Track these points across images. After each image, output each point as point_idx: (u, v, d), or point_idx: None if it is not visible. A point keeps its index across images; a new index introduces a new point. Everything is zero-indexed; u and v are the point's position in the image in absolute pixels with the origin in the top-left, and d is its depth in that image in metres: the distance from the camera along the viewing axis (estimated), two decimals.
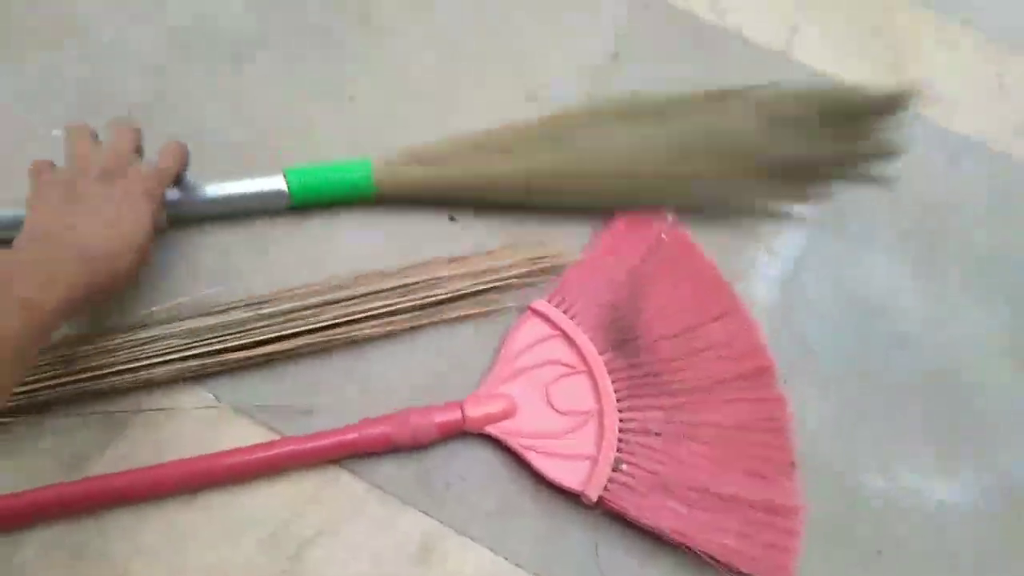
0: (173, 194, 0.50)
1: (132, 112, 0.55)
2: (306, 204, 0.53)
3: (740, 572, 0.44)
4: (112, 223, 0.42)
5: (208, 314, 0.48)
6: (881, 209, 0.58)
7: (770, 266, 0.55)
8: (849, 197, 0.57)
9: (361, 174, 0.52)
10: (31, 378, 0.44)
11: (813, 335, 0.53)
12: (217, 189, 0.51)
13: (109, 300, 0.44)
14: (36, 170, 0.45)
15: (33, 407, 0.44)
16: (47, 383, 0.44)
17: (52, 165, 0.46)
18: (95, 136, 0.47)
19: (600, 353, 0.49)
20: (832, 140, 0.55)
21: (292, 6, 0.61)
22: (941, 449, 0.50)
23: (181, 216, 0.51)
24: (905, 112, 0.55)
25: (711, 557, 0.44)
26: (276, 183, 0.52)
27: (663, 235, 0.54)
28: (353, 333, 0.49)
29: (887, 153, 0.55)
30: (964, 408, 0.52)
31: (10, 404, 0.44)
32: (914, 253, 0.57)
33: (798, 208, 0.57)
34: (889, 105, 0.55)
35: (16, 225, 0.43)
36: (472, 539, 0.45)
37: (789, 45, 0.64)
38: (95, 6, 0.59)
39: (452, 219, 0.54)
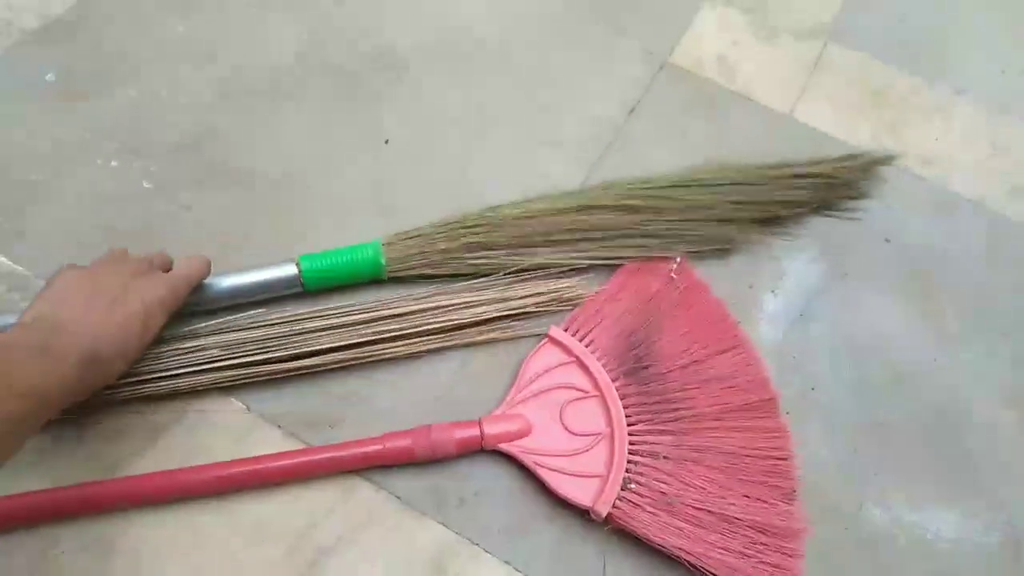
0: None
1: (181, 149, 0.60)
2: (318, 288, 0.54)
3: None
4: (122, 326, 0.43)
5: (244, 329, 0.51)
6: (881, 258, 0.61)
7: (775, 308, 0.58)
8: (851, 246, 0.61)
9: (371, 253, 0.53)
10: None
11: (815, 372, 0.56)
12: (232, 280, 0.52)
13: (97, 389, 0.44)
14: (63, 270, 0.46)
15: (74, 409, 0.47)
16: None
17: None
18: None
19: (613, 380, 0.52)
20: (811, 188, 0.61)
21: (330, 55, 0.67)
22: (939, 484, 0.52)
23: (196, 311, 0.52)
24: (876, 169, 0.63)
25: (714, 575, 0.46)
26: (288, 270, 0.52)
27: (673, 274, 0.57)
28: (380, 352, 0.52)
29: (858, 197, 0.63)
30: (961, 445, 0.53)
31: None
32: (912, 299, 0.59)
33: (803, 255, 0.60)
34: (863, 163, 0.63)
35: None
36: (486, 551, 0.47)
37: (794, 108, 0.69)
38: (153, 55, 0.65)
39: None
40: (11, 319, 0.47)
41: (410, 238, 0.55)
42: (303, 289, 0.54)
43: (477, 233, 0.55)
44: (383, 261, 0.54)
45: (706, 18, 0.74)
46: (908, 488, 0.52)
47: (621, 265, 0.58)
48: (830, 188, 0.62)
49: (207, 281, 0.52)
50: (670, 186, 0.59)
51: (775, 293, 0.59)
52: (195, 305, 0.52)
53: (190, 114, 0.62)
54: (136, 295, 0.44)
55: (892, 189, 0.65)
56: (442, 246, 0.55)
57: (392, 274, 0.55)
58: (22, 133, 0.59)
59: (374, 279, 0.55)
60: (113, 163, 0.59)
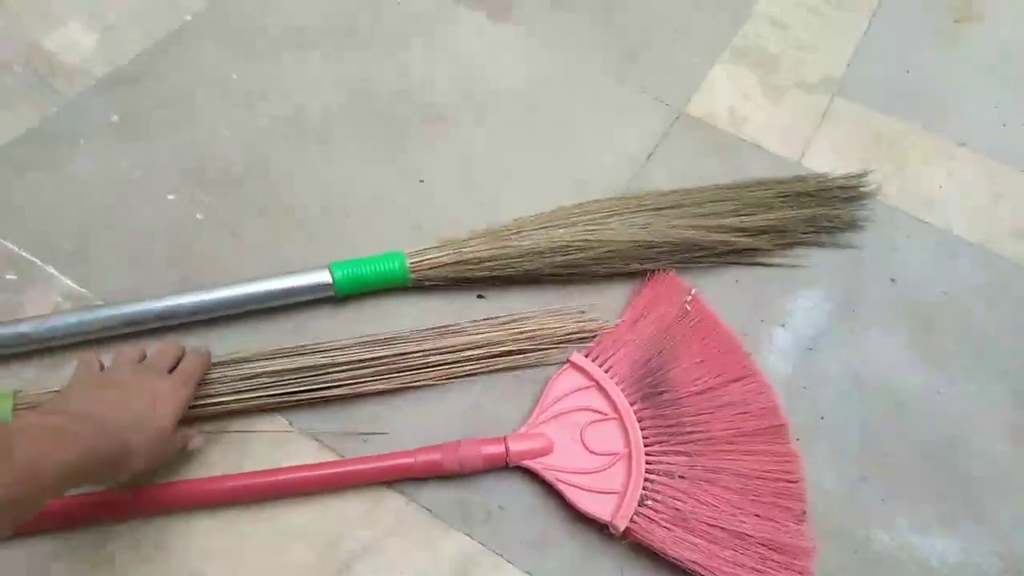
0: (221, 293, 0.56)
1: (232, 183, 0.65)
2: (349, 293, 0.59)
3: None
4: (138, 417, 0.44)
5: (288, 355, 0.54)
6: (887, 297, 0.64)
7: (785, 341, 0.61)
8: (859, 285, 0.64)
9: (397, 264, 0.58)
10: None
11: (824, 402, 0.58)
12: (270, 284, 0.57)
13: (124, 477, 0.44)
14: (83, 360, 0.49)
15: None
16: None
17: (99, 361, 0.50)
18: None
19: (631, 404, 0.55)
20: (801, 212, 0.66)
21: (373, 102, 0.72)
22: (943, 511, 0.54)
23: (236, 313, 0.57)
24: (863, 195, 0.69)
25: None
26: (322, 276, 0.57)
27: (688, 306, 0.61)
28: (411, 381, 0.55)
29: (849, 226, 0.68)
30: (963, 474, 0.56)
31: None
32: (916, 336, 0.62)
33: (812, 292, 0.64)
34: (849, 188, 0.69)
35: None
36: (509, 562, 0.50)
37: (802, 156, 0.73)
38: (209, 98, 0.70)
39: (480, 296, 0.61)
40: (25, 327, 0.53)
41: (434, 248, 0.60)
42: (335, 294, 0.58)
43: (496, 244, 0.60)
44: (408, 268, 0.59)
45: (719, 73, 0.79)
46: (913, 514, 0.54)
47: (635, 277, 0.62)
48: (818, 204, 0.67)
49: (247, 286, 0.56)
50: (669, 205, 0.64)
51: (785, 327, 0.62)
52: (231, 308, 0.56)
53: (241, 152, 0.67)
54: (165, 404, 0.46)
55: (898, 232, 0.68)
56: (463, 256, 0.59)
57: (416, 282, 0.59)
58: (90, 167, 0.65)
59: (400, 285, 0.59)
60: (170, 196, 0.64)
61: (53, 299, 0.58)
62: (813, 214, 0.66)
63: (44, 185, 0.63)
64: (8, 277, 0.58)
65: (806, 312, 0.63)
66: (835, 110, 0.77)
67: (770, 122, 0.75)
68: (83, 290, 0.58)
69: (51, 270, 0.59)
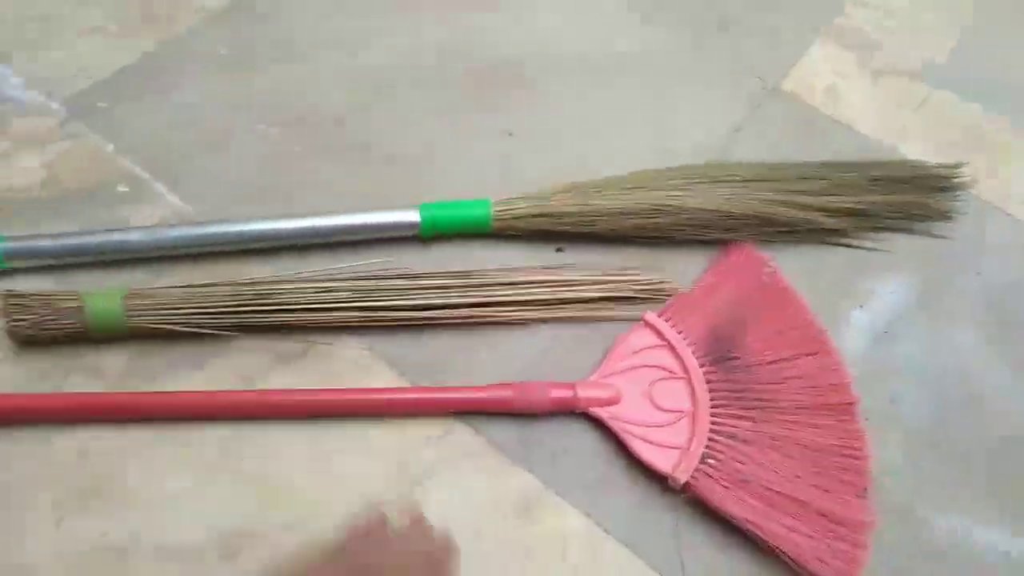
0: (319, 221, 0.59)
1: (330, 123, 0.67)
2: (432, 234, 0.61)
3: (808, 572, 0.48)
4: None
5: (373, 278, 0.57)
6: (971, 289, 0.63)
7: (861, 322, 0.61)
8: (942, 274, 0.63)
9: (482, 211, 0.61)
10: (228, 305, 0.54)
11: (896, 386, 0.58)
12: (358, 218, 0.60)
13: None
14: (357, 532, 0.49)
15: (226, 328, 0.54)
16: (241, 310, 0.54)
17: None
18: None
19: (700, 366, 0.56)
20: (892, 199, 0.65)
21: (468, 59, 0.74)
22: (1005, 506, 0.53)
23: (319, 243, 0.60)
24: (957, 187, 0.67)
25: (783, 553, 0.48)
26: (411, 215, 0.60)
27: (765, 278, 0.61)
28: (487, 316, 0.57)
29: (939, 216, 0.67)
30: None
31: (209, 322, 0.54)
32: (997, 331, 0.61)
33: (894, 276, 0.63)
34: (943, 178, 0.67)
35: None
36: (569, 503, 0.51)
37: (895, 141, 0.72)
38: (313, 40, 0.73)
39: (559, 250, 0.63)
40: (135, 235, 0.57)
41: (519, 199, 0.62)
42: (421, 234, 0.61)
43: (579, 201, 0.61)
44: (492, 216, 0.61)
45: (817, 52, 0.78)
46: (976, 506, 0.53)
47: (714, 245, 0.63)
48: (909, 191, 0.66)
49: (339, 218, 0.59)
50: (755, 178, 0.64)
51: (863, 309, 0.62)
52: (321, 238, 0.59)
53: (339, 95, 0.70)
54: None
55: (988, 227, 0.67)
56: (546, 210, 0.61)
57: (498, 230, 0.61)
58: (200, 95, 0.68)
59: (482, 232, 0.62)
60: (271, 128, 0.67)
61: (160, 213, 0.61)
62: (903, 200, 0.66)
63: (157, 108, 0.67)
64: (120, 190, 0.62)
65: (886, 296, 0.63)
66: (933, 98, 0.75)
67: (865, 104, 0.74)
68: (187, 207, 0.62)
69: (159, 187, 0.63)
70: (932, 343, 0.60)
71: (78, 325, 0.53)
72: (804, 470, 0.52)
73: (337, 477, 0.51)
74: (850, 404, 0.56)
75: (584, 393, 0.53)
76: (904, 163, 0.68)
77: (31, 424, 0.51)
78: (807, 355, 0.58)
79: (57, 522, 0.48)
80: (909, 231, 0.66)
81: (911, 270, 0.64)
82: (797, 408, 0.55)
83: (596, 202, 0.61)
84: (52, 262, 0.57)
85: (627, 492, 0.52)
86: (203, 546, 0.47)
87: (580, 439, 0.54)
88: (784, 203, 0.63)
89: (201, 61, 0.70)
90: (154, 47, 0.71)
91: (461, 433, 0.53)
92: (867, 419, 0.56)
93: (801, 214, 0.62)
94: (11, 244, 0.56)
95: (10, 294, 0.53)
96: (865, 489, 0.52)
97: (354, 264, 0.58)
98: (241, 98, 0.68)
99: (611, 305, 0.59)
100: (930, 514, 0.53)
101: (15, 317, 0.52)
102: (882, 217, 0.65)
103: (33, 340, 0.53)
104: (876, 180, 0.66)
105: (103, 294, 0.53)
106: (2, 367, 0.53)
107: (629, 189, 0.62)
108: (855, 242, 0.65)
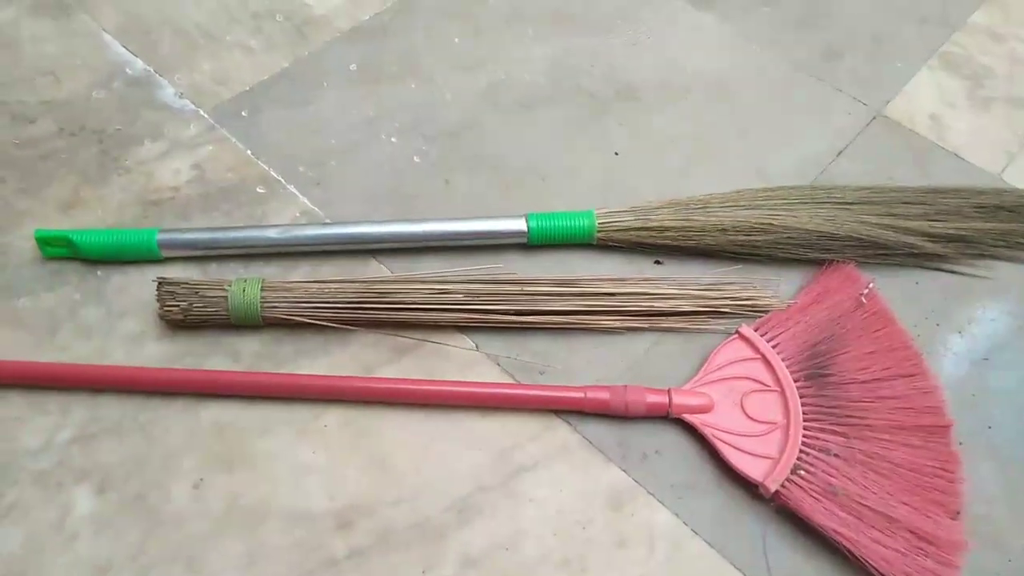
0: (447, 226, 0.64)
1: (447, 135, 0.72)
2: (539, 242, 0.65)
3: None
4: None
5: (483, 282, 0.61)
6: None
7: (960, 347, 0.61)
8: None
9: (587, 222, 0.64)
10: (352, 300, 0.59)
11: (993, 413, 0.58)
12: (471, 224, 0.64)
13: None
14: None
15: (348, 322, 0.59)
16: (363, 307, 0.59)
17: None
18: None
19: (794, 381, 0.57)
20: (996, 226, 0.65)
21: (577, 78, 0.78)
22: None
23: (432, 247, 0.65)
24: None
25: (871, 565, 0.50)
26: (519, 224, 0.64)
27: (863, 299, 0.62)
28: (588, 322, 0.60)
29: None
30: None
31: (334, 315, 0.59)
32: None
33: (996, 303, 0.63)
34: None
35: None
36: (659, 501, 0.54)
37: (1003, 171, 0.71)
38: (434, 59, 0.79)
39: (658, 263, 0.65)
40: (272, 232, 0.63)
41: (622, 212, 0.65)
42: (528, 242, 0.64)
43: (681, 216, 0.64)
44: (596, 227, 0.64)
45: (924, 78, 0.78)
46: None
47: (812, 264, 0.64)
48: (1015, 219, 0.66)
49: (453, 223, 0.64)
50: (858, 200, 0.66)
51: (962, 335, 0.62)
52: (436, 241, 0.64)
53: (457, 110, 0.75)
54: None
55: None
56: (648, 223, 0.64)
57: (601, 241, 0.65)
58: (330, 107, 0.75)
59: (586, 242, 0.65)
60: (393, 139, 0.72)
61: (292, 213, 0.67)
62: (1008, 229, 0.65)
63: (292, 118, 0.74)
64: (259, 191, 0.69)
65: (986, 323, 0.62)
66: None
67: (972, 133, 0.74)
68: (316, 209, 0.68)
69: (292, 189, 0.69)
70: None
71: (221, 312, 0.59)
72: (896, 489, 0.53)
73: (443, 462, 0.55)
74: (945, 427, 0.56)
75: (678, 400, 0.56)
76: (1011, 191, 0.68)
77: (178, 395, 0.57)
78: (902, 376, 0.58)
79: (196, 484, 0.53)
80: (1012, 260, 0.65)
81: (1013, 299, 0.64)
82: (891, 427, 0.56)
83: (697, 218, 0.64)
84: (198, 253, 0.64)
85: (715, 496, 0.54)
86: (322, 515, 0.52)
87: (672, 443, 0.56)
88: (885, 226, 0.64)
89: (332, 76, 0.77)
90: (290, 63, 0.78)
91: (559, 430, 0.56)
92: (962, 444, 0.56)
93: (902, 238, 0.63)
94: (164, 236, 0.63)
95: (164, 281, 0.60)
96: (957, 512, 0.53)
97: (466, 268, 0.62)
98: (367, 111, 0.74)
99: (708, 318, 0.62)
100: None
101: (167, 303, 0.59)
102: (985, 244, 0.65)
103: (181, 324, 0.60)
104: (980, 207, 0.66)
105: (244, 285, 0.59)
106: (155, 345, 0.60)
107: (730, 207, 0.65)
108: (956, 268, 0.65)
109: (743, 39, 0.82)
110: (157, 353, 0.59)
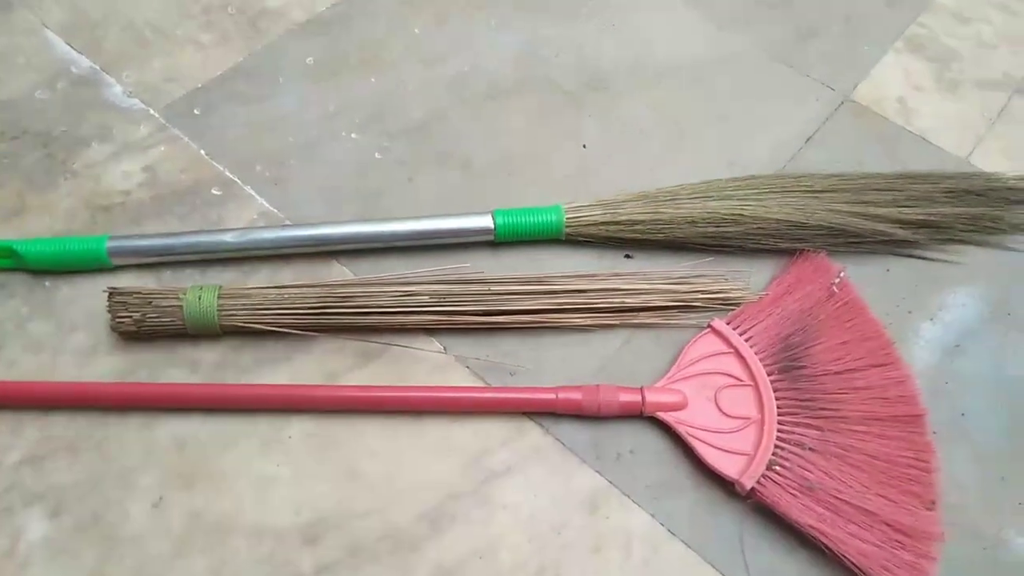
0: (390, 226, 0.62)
1: (410, 131, 0.70)
2: (506, 239, 0.63)
3: None
4: None
5: (450, 283, 0.59)
6: None
7: (932, 335, 0.61)
8: (1017, 287, 0.63)
9: (555, 217, 0.63)
10: (313, 305, 0.57)
11: (966, 400, 0.58)
12: (436, 223, 0.62)
13: None
14: None
15: (311, 328, 0.57)
16: (326, 311, 0.57)
17: None
18: None
19: (768, 374, 0.57)
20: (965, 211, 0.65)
21: (544, 68, 0.76)
22: None
23: (398, 247, 0.63)
24: None
25: (848, 560, 0.49)
26: (485, 221, 0.63)
27: (835, 288, 0.61)
28: (559, 320, 0.59)
29: (1014, 229, 0.66)
30: None
31: (295, 322, 0.57)
32: None
33: (966, 289, 0.63)
34: (1019, 191, 0.67)
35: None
36: (634, 502, 0.53)
37: (970, 154, 0.71)
38: (395, 51, 0.76)
39: (628, 256, 0.64)
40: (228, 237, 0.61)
41: (590, 206, 0.63)
42: (494, 239, 0.63)
43: (650, 209, 0.63)
44: (564, 222, 0.62)
45: (891, 62, 0.78)
46: None
47: (783, 255, 0.63)
48: (984, 203, 0.65)
49: (418, 222, 0.62)
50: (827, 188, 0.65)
51: (933, 321, 0.62)
52: (400, 241, 0.62)
53: (420, 103, 0.73)
54: None
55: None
56: (616, 217, 0.62)
57: (569, 236, 0.63)
58: (287, 103, 0.72)
59: (554, 238, 0.63)
60: (354, 135, 0.70)
61: (249, 216, 0.65)
62: (977, 213, 0.65)
63: (248, 115, 0.71)
64: (214, 192, 0.66)
65: (958, 309, 0.62)
66: (1011, 110, 0.74)
67: (940, 116, 0.73)
68: (275, 210, 0.65)
69: (249, 190, 0.66)
70: (1005, 358, 0.60)
71: (177, 322, 0.56)
72: (872, 481, 0.52)
73: (412, 470, 0.53)
74: (918, 417, 0.56)
75: (651, 398, 0.55)
76: (978, 175, 0.68)
77: (134, 410, 0.55)
78: (875, 366, 0.58)
79: (155, 503, 0.51)
80: (982, 244, 0.65)
81: (983, 283, 0.63)
82: (865, 418, 0.55)
83: (667, 210, 0.63)
84: (151, 260, 0.62)
85: (691, 495, 0.53)
86: (289, 531, 0.51)
87: (646, 442, 0.55)
88: (855, 214, 0.63)
89: (289, 71, 0.74)
90: (244, 58, 0.75)
91: (532, 432, 0.55)
92: (935, 432, 0.56)
93: (872, 225, 0.63)
94: (115, 243, 0.61)
95: (114, 291, 0.57)
96: (933, 502, 0.52)
97: (432, 268, 0.60)
98: (326, 106, 0.72)
99: (679, 312, 0.61)
100: (999, 530, 0.53)
101: (119, 314, 0.56)
102: (955, 229, 0.65)
103: (135, 335, 0.57)
104: (949, 192, 0.65)
105: (200, 292, 0.56)
106: (108, 358, 0.57)
107: (700, 198, 0.64)
108: (927, 254, 0.65)
109: (712, 25, 0.80)
110: (111, 367, 0.57)
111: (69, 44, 0.75)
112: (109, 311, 0.56)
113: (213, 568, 0.49)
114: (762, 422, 0.54)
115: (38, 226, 0.64)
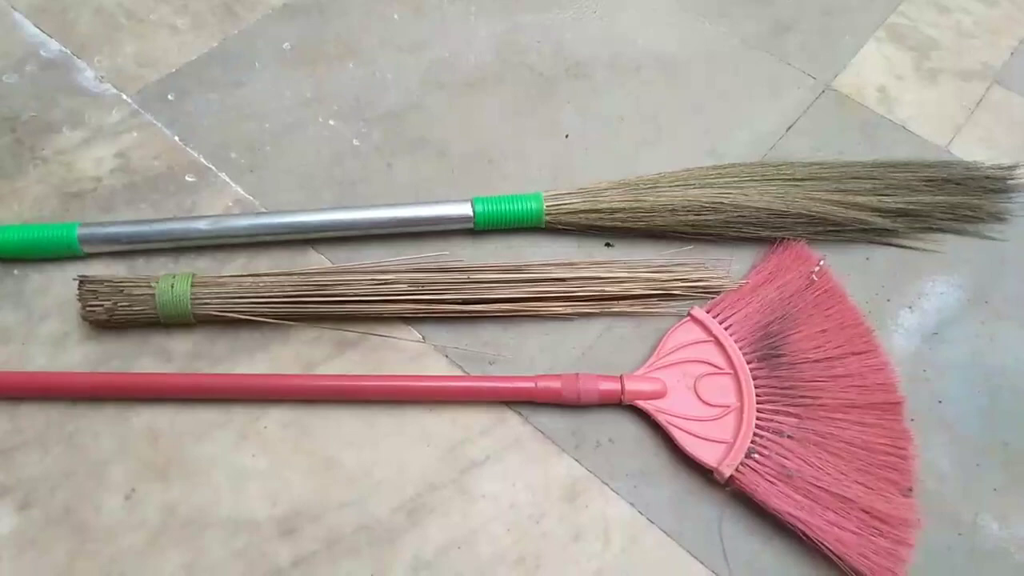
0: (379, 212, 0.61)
1: (388, 118, 0.69)
2: (486, 227, 0.63)
3: (850, 567, 0.49)
4: None
5: (429, 271, 0.59)
6: (1019, 290, 0.63)
7: (910, 322, 0.61)
8: (995, 275, 0.63)
9: (534, 205, 0.62)
10: (290, 294, 0.56)
11: (944, 388, 0.58)
12: (415, 210, 0.62)
13: None
14: None
15: (287, 316, 0.56)
16: (302, 300, 0.56)
17: None
18: None
19: (747, 362, 0.57)
20: (944, 200, 0.65)
21: (524, 56, 0.75)
22: None
23: (377, 234, 0.62)
24: (1012, 188, 0.67)
25: (826, 547, 0.49)
26: (464, 209, 0.62)
27: (815, 276, 0.61)
28: (538, 309, 0.59)
29: (992, 217, 0.67)
30: None
31: (271, 311, 0.56)
32: None
33: (945, 277, 0.63)
34: (997, 179, 0.67)
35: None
36: (614, 491, 0.52)
37: (950, 143, 0.71)
38: (373, 37, 0.75)
39: (608, 245, 0.64)
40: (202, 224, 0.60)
41: (570, 194, 0.63)
42: (474, 227, 0.62)
43: (630, 197, 0.62)
44: (544, 210, 0.62)
45: (871, 51, 0.78)
46: None
47: (763, 243, 0.63)
48: (963, 192, 0.66)
49: (396, 210, 0.61)
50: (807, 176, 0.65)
51: (912, 309, 0.62)
52: (378, 229, 0.61)
53: (399, 91, 0.72)
54: None
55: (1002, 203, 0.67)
56: (597, 205, 0.62)
57: (550, 224, 0.63)
58: (263, 89, 0.71)
59: (534, 226, 0.63)
60: (331, 122, 0.69)
61: (224, 203, 0.64)
62: (956, 202, 0.65)
63: (223, 101, 0.70)
64: (188, 179, 0.65)
65: (936, 297, 0.62)
66: (990, 99, 0.75)
67: (920, 105, 0.74)
68: (250, 197, 0.64)
69: (224, 177, 0.65)
70: (983, 345, 0.60)
71: (149, 311, 0.55)
72: (849, 468, 0.52)
73: (390, 461, 0.53)
74: (896, 404, 0.56)
75: (631, 386, 0.55)
76: (957, 164, 0.68)
77: (106, 400, 0.54)
78: (854, 354, 0.58)
79: (127, 495, 0.50)
80: (961, 232, 0.66)
81: (962, 272, 0.64)
82: (843, 406, 0.55)
83: (647, 198, 0.62)
84: (123, 248, 0.61)
85: (671, 483, 0.53)
86: (265, 522, 0.50)
87: (626, 430, 0.55)
88: (835, 202, 0.63)
89: (265, 56, 0.73)
90: (219, 42, 0.74)
91: (511, 421, 0.55)
92: (913, 420, 0.56)
93: (852, 213, 0.63)
94: (86, 230, 0.60)
95: (85, 280, 0.56)
96: (910, 488, 0.53)
97: (411, 256, 0.59)
98: (303, 92, 0.71)
99: (659, 300, 0.60)
100: (975, 516, 0.53)
101: (90, 303, 0.55)
102: (934, 218, 0.65)
103: (107, 324, 0.56)
104: (928, 180, 0.66)
105: (173, 281, 0.55)
106: (79, 348, 0.56)
107: (680, 186, 0.63)
108: (906, 242, 0.65)
109: (693, 13, 0.80)
110: (82, 357, 0.56)
111: (38, 26, 0.74)
112: (80, 300, 0.55)
113: (187, 562, 0.48)
114: (741, 410, 0.54)
115: (6, 213, 0.62)
